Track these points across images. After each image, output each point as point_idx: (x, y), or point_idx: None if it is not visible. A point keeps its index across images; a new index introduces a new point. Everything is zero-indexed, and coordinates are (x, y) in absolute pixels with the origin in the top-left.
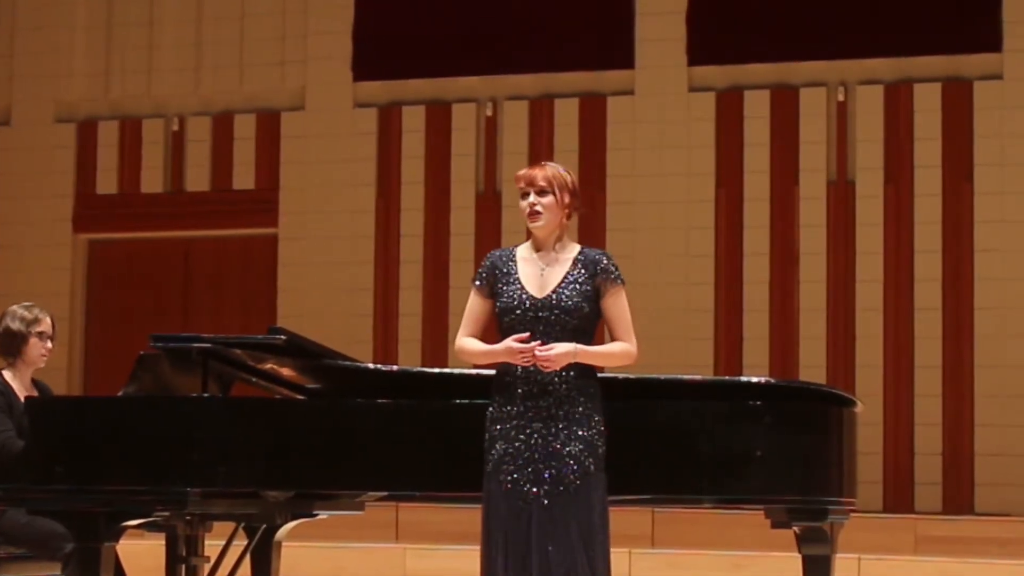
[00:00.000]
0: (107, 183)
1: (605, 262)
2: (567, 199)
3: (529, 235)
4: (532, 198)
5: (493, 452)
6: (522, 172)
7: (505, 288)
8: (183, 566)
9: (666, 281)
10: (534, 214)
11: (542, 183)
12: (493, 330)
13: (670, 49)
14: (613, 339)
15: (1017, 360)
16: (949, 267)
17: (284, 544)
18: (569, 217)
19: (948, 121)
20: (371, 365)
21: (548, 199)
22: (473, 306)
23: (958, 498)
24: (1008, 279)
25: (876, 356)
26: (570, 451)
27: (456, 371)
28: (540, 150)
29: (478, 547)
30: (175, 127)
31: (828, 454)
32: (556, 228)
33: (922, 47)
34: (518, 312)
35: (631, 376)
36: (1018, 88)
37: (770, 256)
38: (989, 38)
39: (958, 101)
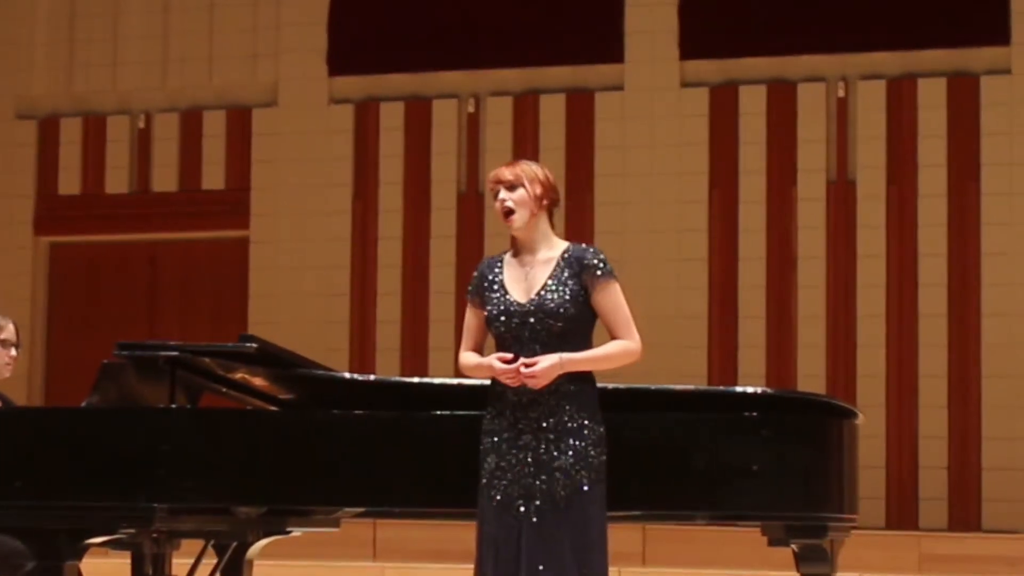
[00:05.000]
0: (69, 183)
1: (589, 256)
2: (538, 191)
3: (515, 240)
4: (502, 194)
5: (485, 465)
6: (491, 174)
7: (490, 295)
8: None
9: (657, 286)
10: (507, 212)
11: (510, 178)
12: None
13: (661, 42)
14: (612, 338)
15: None
16: (955, 271)
17: (256, 562)
18: (545, 210)
19: (954, 118)
20: (347, 375)
21: (518, 193)
22: (468, 319)
23: (964, 514)
24: (1017, 284)
25: (878, 365)
26: (560, 464)
27: (436, 381)
28: (525, 148)
29: (458, 565)
30: (141, 124)
31: (828, 468)
32: (534, 225)
33: (927, 40)
34: (503, 319)
35: (619, 386)
36: None
37: (767, 260)
38: (997, 30)
39: (964, 97)
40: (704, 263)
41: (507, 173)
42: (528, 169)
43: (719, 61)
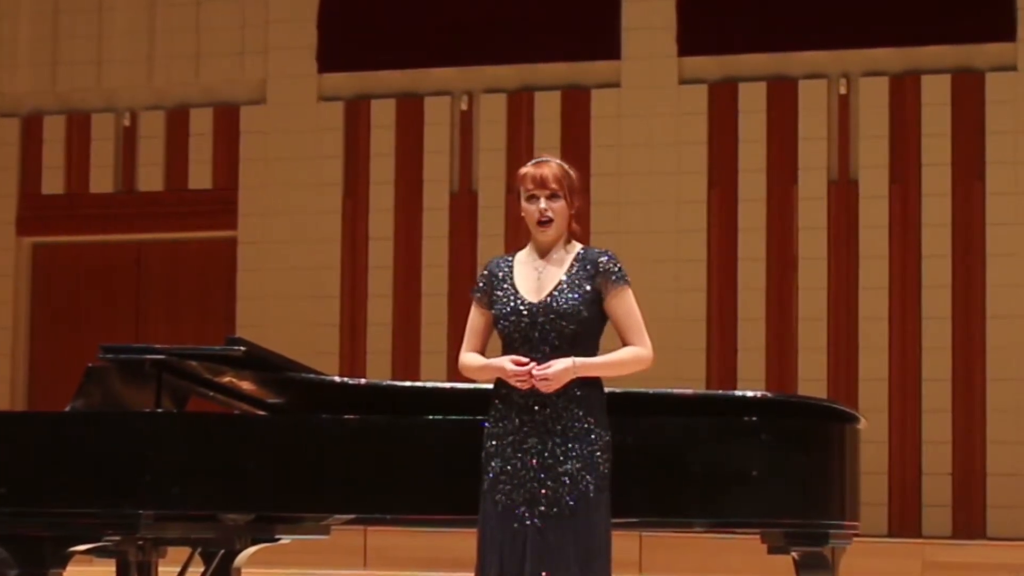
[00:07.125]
0: (53, 182)
1: (605, 260)
2: (576, 203)
3: (530, 240)
4: (543, 203)
5: (489, 469)
6: (529, 171)
7: (500, 295)
8: None
9: (655, 287)
10: (546, 223)
11: (554, 186)
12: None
13: (659, 38)
14: (624, 344)
15: None
16: (959, 272)
17: (244, 570)
18: (575, 221)
19: (958, 115)
20: (337, 378)
21: (559, 204)
22: (472, 319)
23: (969, 521)
24: (1022, 285)
25: (881, 368)
26: (567, 470)
27: (428, 385)
28: (519, 147)
29: (449, 574)
30: (126, 122)
31: (829, 474)
32: (563, 234)
33: (930, 36)
34: (512, 318)
35: (616, 390)
36: None
37: (767, 261)
38: (1002, 26)
39: (969, 94)
40: (703, 264)
41: (551, 180)
42: (570, 177)
43: (718, 57)
